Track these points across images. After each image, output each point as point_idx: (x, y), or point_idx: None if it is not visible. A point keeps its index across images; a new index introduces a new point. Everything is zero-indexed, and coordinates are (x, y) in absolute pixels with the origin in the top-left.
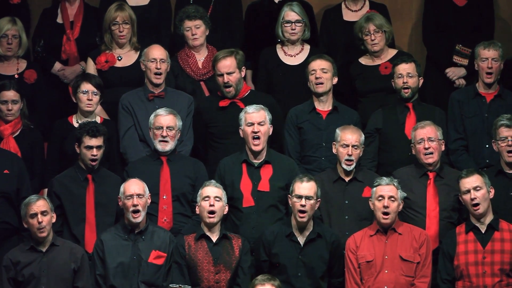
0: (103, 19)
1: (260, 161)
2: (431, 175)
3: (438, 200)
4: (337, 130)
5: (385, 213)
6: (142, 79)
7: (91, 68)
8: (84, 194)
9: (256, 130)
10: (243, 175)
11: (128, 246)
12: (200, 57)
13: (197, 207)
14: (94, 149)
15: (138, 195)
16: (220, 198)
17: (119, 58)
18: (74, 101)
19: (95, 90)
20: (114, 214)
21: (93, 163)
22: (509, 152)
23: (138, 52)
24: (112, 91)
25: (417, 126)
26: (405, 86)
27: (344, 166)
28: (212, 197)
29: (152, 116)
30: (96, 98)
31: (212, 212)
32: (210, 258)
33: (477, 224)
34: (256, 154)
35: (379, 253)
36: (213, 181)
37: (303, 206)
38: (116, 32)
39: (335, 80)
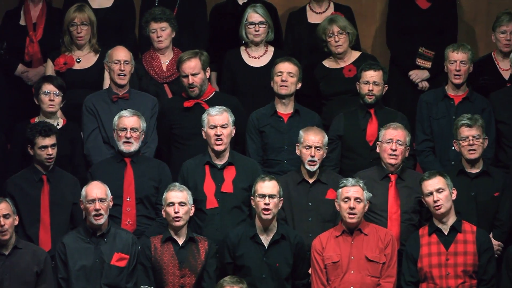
0: None
1: (223, 162)
2: (392, 177)
3: (399, 202)
4: (300, 132)
5: (351, 214)
6: (101, 81)
7: (49, 69)
8: (39, 195)
9: (219, 133)
10: (206, 177)
11: (90, 249)
12: (165, 59)
13: (162, 210)
14: (49, 148)
15: (100, 199)
16: (185, 203)
17: (78, 60)
18: (37, 102)
19: (56, 91)
20: (69, 215)
21: (50, 161)
22: (470, 151)
23: (98, 55)
24: (70, 93)
25: (389, 126)
26: (370, 94)
27: (308, 167)
28: (176, 203)
29: (116, 118)
30: (58, 99)
31: (177, 217)
32: (176, 262)
33: (440, 226)
34: (219, 155)
35: (345, 254)
36: (177, 184)
37: (266, 204)
38: (74, 33)
39: (299, 85)
